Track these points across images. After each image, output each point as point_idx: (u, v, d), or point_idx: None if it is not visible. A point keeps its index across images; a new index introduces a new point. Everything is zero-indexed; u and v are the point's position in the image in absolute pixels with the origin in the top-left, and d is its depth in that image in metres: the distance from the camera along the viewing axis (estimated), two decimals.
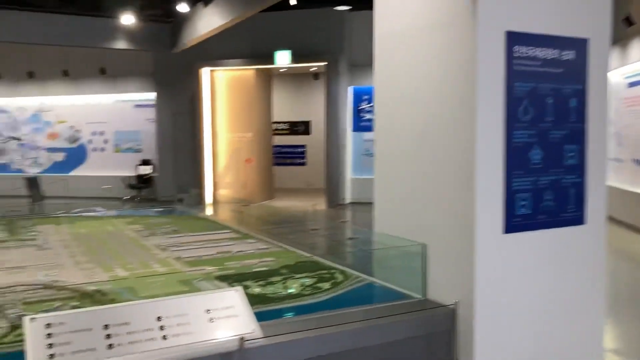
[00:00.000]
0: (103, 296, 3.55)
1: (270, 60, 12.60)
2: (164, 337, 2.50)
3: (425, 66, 3.39)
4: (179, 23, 8.97)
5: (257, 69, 13.22)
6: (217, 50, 12.91)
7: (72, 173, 15.54)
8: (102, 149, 15.53)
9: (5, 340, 2.79)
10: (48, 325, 2.40)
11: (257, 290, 3.64)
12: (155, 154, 14.60)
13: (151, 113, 14.62)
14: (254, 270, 4.20)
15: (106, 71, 14.32)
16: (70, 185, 14.19)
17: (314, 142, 15.94)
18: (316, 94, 15.19)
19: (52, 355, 2.29)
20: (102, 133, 15.48)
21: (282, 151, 16.75)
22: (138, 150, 15.24)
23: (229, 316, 2.69)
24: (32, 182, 11.88)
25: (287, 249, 4.98)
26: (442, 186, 3.29)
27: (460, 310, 3.17)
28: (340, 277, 3.96)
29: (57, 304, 3.38)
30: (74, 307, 3.33)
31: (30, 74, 15.01)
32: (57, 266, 4.42)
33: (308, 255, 4.72)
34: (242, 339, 2.58)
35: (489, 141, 3.04)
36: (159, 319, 2.56)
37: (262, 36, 12.62)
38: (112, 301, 3.44)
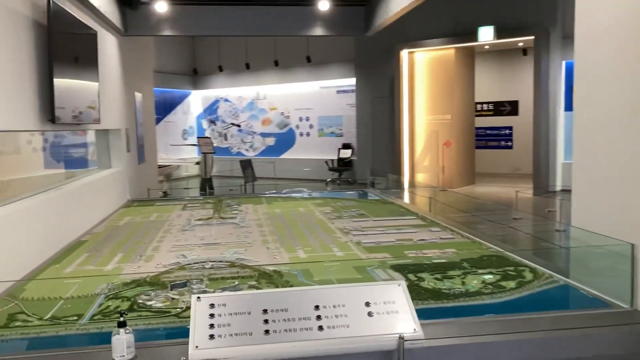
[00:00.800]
0: (279, 277, 3.61)
1: (473, 37, 11.92)
2: (320, 328, 2.40)
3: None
4: (372, 5, 8.91)
5: (458, 48, 12.64)
6: (416, 31, 12.61)
7: (282, 156, 16.63)
8: (308, 134, 16.32)
9: (185, 314, 2.95)
10: (212, 306, 2.46)
11: (431, 284, 3.39)
12: (355, 138, 14.90)
13: (352, 98, 14.93)
14: (433, 261, 3.94)
15: (311, 59, 14.96)
16: (278, 167, 15.17)
17: (522, 123, 14.78)
18: (525, 71, 14.03)
19: (212, 336, 2.34)
20: (307, 118, 16.27)
21: (485, 133, 15.87)
22: (339, 135, 15.72)
23: (389, 312, 2.49)
24: (246, 164, 12.94)
25: (474, 240, 4.60)
26: None
27: None
28: (529, 276, 3.51)
29: (236, 282, 3.53)
30: (251, 287, 3.44)
31: (247, 66, 16.33)
32: (246, 244, 4.66)
33: (497, 248, 4.30)
34: (401, 338, 2.38)
35: None
36: (316, 307, 2.48)
37: (463, 12, 11.99)
38: (286, 283, 3.48)
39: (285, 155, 16.73)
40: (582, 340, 2.64)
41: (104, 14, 6.83)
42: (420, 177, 13.15)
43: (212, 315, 2.42)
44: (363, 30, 9.39)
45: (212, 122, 18.24)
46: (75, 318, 2.94)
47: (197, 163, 12.83)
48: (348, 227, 5.31)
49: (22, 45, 4.36)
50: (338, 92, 15.71)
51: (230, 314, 2.44)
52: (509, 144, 15.81)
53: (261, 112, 17.31)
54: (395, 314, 2.49)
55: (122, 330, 2.39)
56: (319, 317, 2.44)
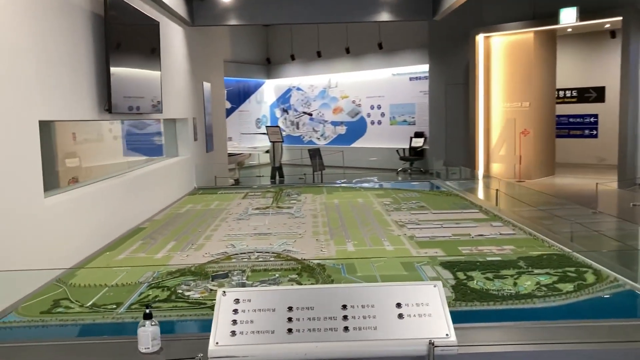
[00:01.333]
0: (322, 271, 3.51)
1: (554, 20, 11.23)
2: (346, 329, 2.29)
3: None
4: None
5: (537, 31, 11.97)
6: (492, 15, 12.05)
7: (353, 145, 16.49)
8: (379, 122, 16.07)
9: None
10: (236, 301, 2.39)
11: (480, 283, 3.18)
12: (428, 126, 14.51)
13: (424, 85, 14.52)
14: (487, 259, 3.71)
15: (382, 46, 14.67)
16: (348, 156, 15.04)
17: (609, 111, 13.84)
18: (613, 55, 13.08)
19: (233, 332, 2.28)
20: (379, 106, 16.01)
21: (568, 121, 15.01)
22: (411, 123, 15.36)
23: (421, 314, 2.34)
24: (314, 153, 12.93)
25: (536, 237, 4.30)
26: None
27: None
28: (590, 279, 3.21)
29: (277, 274, 3.47)
30: (291, 280, 3.37)
31: (318, 54, 16.28)
32: (297, 235, 4.60)
33: (560, 246, 3.99)
34: (431, 344, 2.22)
35: None
36: (344, 307, 2.36)
37: None
38: (328, 277, 3.39)
39: (356, 144, 16.59)
40: None
41: (169, 5, 6.95)
42: (495, 167, 12.63)
43: (235, 311, 2.36)
44: (431, 14, 9.06)
45: (285, 110, 18.38)
46: (114, 306, 2.97)
47: (267, 151, 12.95)
48: (404, 219, 5.13)
49: (80, 36, 4.49)
50: (411, 79, 15.35)
51: (255, 310, 2.36)
52: (594, 132, 14.89)
53: (332, 100, 17.23)
54: (428, 317, 2.33)
55: (147, 322, 2.37)
56: (345, 317, 2.33)
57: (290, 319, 2.32)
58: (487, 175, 11.78)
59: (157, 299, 3.08)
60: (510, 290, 3.05)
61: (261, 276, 3.45)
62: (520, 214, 5.27)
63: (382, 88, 15.98)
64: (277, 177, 13.87)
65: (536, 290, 3.04)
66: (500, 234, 4.43)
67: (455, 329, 2.24)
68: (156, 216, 5.81)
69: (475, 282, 3.20)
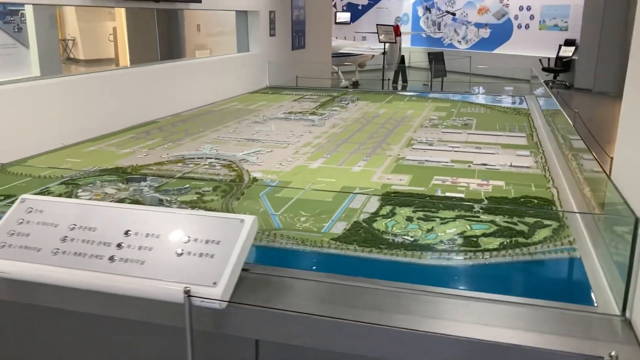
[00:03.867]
0: (239, 188, 3.13)
1: None
2: (111, 259, 1.94)
3: None
4: None
5: None
6: None
7: (495, 51, 14.84)
8: (527, 26, 14.13)
9: None
10: (29, 210, 2.16)
11: (390, 224, 2.56)
12: (580, 34, 12.40)
13: None
14: (447, 194, 3.00)
15: None
16: (482, 63, 13.56)
17: None
18: None
19: (3, 245, 2.05)
20: (529, 8, 14.00)
21: None
22: (564, 29, 13.26)
23: (204, 254, 1.90)
24: (436, 57, 11.85)
25: (549, 177, 3.39)
26: None
27: None
28: (539, 236, 2.42)
29: (188, 185, 3.15)
30: (199, 194, 3.04)
31: None
32: (280, 145, 4.17)
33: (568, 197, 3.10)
34: (186, 292, 1.79)
35: None
36: (126, 233, 2.00)
37: None
38: (241, 195, 3.00)
39: (498, 50, 14.94)
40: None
41: None
42: None
43: (21, 221, 2.13)
44: None
45: (427, 9, 17.01)
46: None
47: (384, 53, 12.15)
48: (423, 138, 4.40)
49: None
50: None
51: (38, 222, 2.11)
52: None
53: None
54: (209, 259, 1.88)
55: None
56: (119, 245, 1.98)
57: (65, 239, 2.03)
58: None
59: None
60: (411, 238, 2.41)
61: (176, 185, 3.16)
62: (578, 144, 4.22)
63: None
64: (400, 81, 13.11)
65: (443, 243, 2.36)
66: (512, 166, 3.57)
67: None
68: (191, 111, 5.71)
69: (384, 222, 2.59)
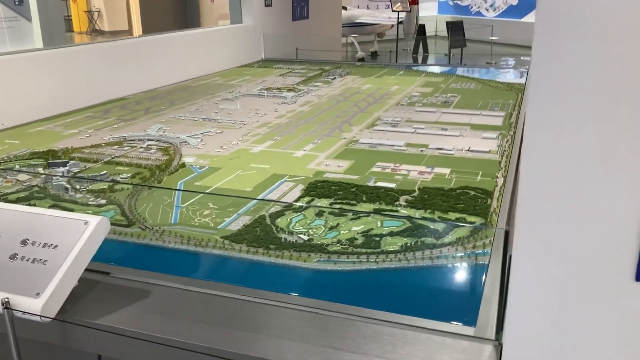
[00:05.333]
0: (163, 172, 2.94)
1: None
2: None
3: None
4: None
5: None
6: None
7: (524, 19, 14.08)
8: None
9: None
10: None
11: (296, 219, 2.33)
12: None
13: None
14: (377, 184, 2.73)
15: None
16: (508, 32, 12.87)
17: None
18: None
19: None
20: None
21: None
22: None
23: (37, 260, 1.72)
24: (455, 27, 11.29)
25: (501, 163, 3.08)
26: None
27: None
28: (457, 235, 2.15)
29: (105, 171, 2.97)
30: (115, 181, 2.87)
31: None
32: (234, 126, 3.96)
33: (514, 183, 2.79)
34: (4, 304, 1.62)
35: None
36: None
37: None
38: (156, 181, 2.81)
39: (527, 18, 14.17)
40: None
41: None
42: None
43: None
44: None
45: None
46: None
47: (401, 22, 11.64)
48: (390, 118, 4.10)
49: None
50: None
51: None
52: None
53: None
54: (41, 266, 1.71)
55: None
56: None
57: None
58: None
59: None
60: (307, 237, 2.17)
61: (96, 170, 2.99)
62: None
63: None
64: (420, 51, 12.62)
65: (339, 244, 2.12)
66: (468, 150, 3.26)
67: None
68: (168, 86, 5.53)
69: (290, 217, 2.36)
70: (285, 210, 2.44)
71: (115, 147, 3.43)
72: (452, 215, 2.35)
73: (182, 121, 4.09)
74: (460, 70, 6.25)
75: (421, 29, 12.52)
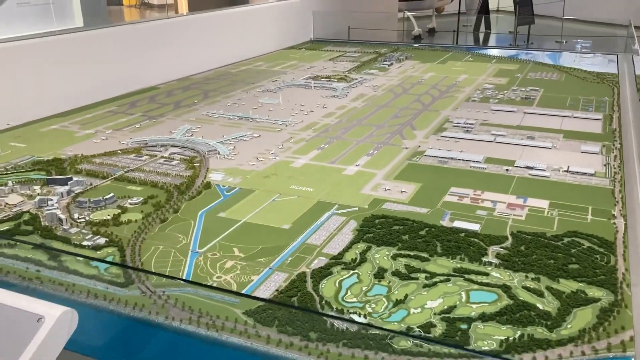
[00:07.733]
0: (179, 195, 2.37)
1: None
2: None
3: None
4: None
5: None
6: None
7: None
8: None
9: None
10: None
11: (352, 279, 1.72)
12: None
13: None
14: (455, 225, 2.08)
15: None
16: (576, 5, 11.67)
17: None
18: None
19: None
20: None
21: None
22: None
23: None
24: (523, 2, 10.28)
25: (615, 191, 2.37)
26: None
27: None
28: (578, 324, 1.49)
29: (112, 194, 2.42)
30: (121, 207, 2.31)
31: None
32: (274, 128, 3.35)
33: None
34: None
35: None
36: None
37: None
38: (172, 210, 2.24)
39: None
40: None
41: None
42: None
43: None
44: None
45: None
46: None
47: None
48: (462, 120, 3.40)
49: None
50: None
51: None
52: None
53: None
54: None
55: None
56: None
57: None
58: None
59: None
60: (363, 318, 1.56)
61: (102, 192, 2.44)
62: None
63: None
64: (483, 28, 11.69)
65: (410, 332, 1.49)
66: (566, 171, 2.55)
67: None
68: (205, 73, 4.96)
69: (339, 278, 1.74)
70: (333, 265, 1.83)
71: (132, 155, 2.88)
72: (565, 285, 1.69)
73: (215, 120, 3.51)
74: (537, 55, 5.42)
75: (484, 4, 11.53)
